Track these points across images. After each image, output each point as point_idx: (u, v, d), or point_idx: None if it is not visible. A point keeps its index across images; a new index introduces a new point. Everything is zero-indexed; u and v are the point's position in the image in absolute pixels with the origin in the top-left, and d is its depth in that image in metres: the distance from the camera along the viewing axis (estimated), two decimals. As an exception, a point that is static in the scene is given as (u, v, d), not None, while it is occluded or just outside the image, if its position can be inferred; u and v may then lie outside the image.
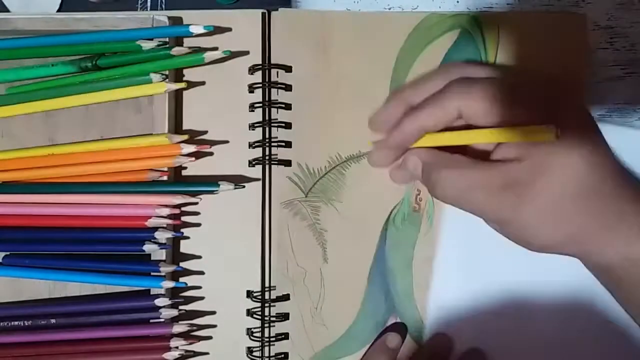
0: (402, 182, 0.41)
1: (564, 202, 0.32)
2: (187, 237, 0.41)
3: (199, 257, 0.42)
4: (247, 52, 0.42)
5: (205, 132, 0.42)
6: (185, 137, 0.40)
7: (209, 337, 0.41)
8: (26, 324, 0.40)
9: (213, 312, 0.41)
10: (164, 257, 0.40)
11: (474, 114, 0.34)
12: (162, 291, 0.40)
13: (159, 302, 0.39)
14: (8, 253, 0.41)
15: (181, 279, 0.41)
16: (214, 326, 0.41)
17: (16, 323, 0.40)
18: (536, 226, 0.33)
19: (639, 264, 0.32)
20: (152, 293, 0.40)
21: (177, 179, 0.42)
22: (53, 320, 0.40)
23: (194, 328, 0.41)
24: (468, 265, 0.41)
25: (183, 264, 0.41)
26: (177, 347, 0.39)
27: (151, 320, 0.40)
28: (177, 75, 0.42)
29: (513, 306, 0.41)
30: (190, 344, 0.40)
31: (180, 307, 0.41)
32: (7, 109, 0.41)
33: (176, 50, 0.39)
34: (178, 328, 0.40)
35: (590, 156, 0.32)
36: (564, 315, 0.41)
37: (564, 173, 0.32)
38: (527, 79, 0.37)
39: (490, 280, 0.41)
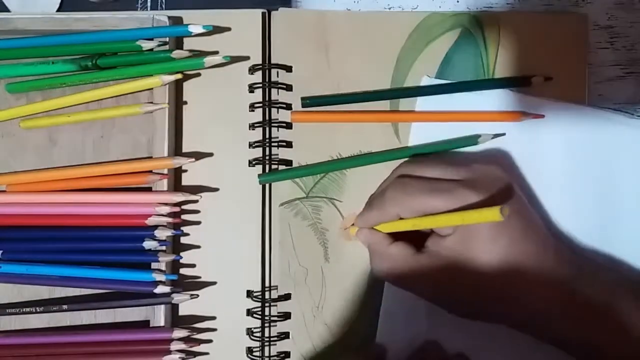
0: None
1: None
2: (187, 234, 0.41)
3: (199, 256, 0.41)
4: (247, 57, 0.42)
5: (204, 131, 0.42)
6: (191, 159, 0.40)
7: (209, 341, 0.41)
8: (38, 310, 0.40)
9: (213, 312, 0.41)
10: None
11: (410, 216, 0.37)
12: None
13: (157, 290, 0.39)
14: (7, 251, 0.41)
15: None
16: (214, 328, 0.41)
17: (28, 309, 0.40)
18: None
19: None
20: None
21: (177, 181, 0.42)
22: (65, 306, 0.40)
23: (194, 333, 0.40)
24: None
25: (182, 263, 0.41)
26: (177, 351, 0.39)
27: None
28: (177, 76, 0.42)
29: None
30: (191, 347, 0.40)
31: (180, 309, 0.41)
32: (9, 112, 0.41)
33: (177, 54, 0.39)
34: (178, 333, 0.39)
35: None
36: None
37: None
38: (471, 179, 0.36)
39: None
